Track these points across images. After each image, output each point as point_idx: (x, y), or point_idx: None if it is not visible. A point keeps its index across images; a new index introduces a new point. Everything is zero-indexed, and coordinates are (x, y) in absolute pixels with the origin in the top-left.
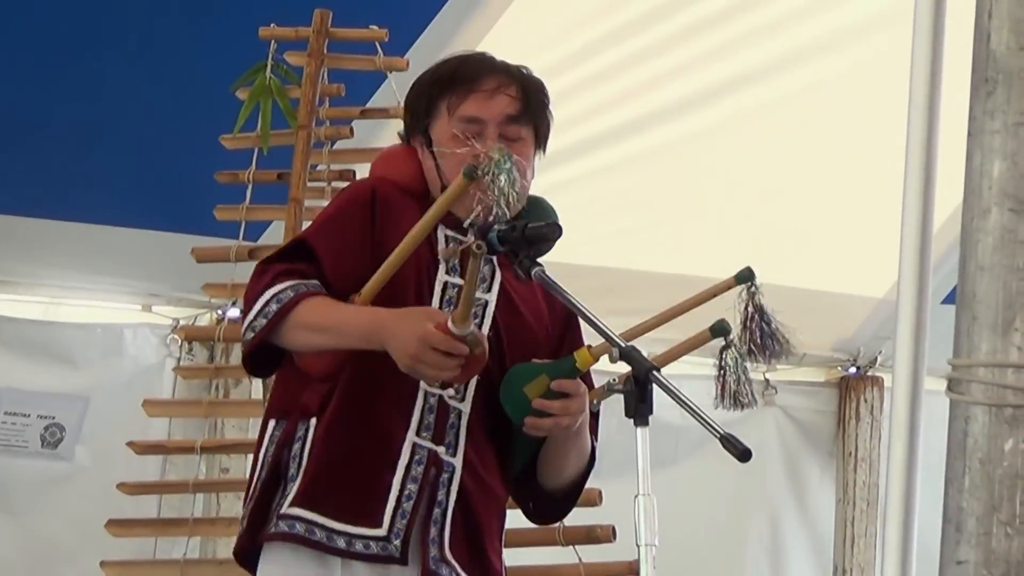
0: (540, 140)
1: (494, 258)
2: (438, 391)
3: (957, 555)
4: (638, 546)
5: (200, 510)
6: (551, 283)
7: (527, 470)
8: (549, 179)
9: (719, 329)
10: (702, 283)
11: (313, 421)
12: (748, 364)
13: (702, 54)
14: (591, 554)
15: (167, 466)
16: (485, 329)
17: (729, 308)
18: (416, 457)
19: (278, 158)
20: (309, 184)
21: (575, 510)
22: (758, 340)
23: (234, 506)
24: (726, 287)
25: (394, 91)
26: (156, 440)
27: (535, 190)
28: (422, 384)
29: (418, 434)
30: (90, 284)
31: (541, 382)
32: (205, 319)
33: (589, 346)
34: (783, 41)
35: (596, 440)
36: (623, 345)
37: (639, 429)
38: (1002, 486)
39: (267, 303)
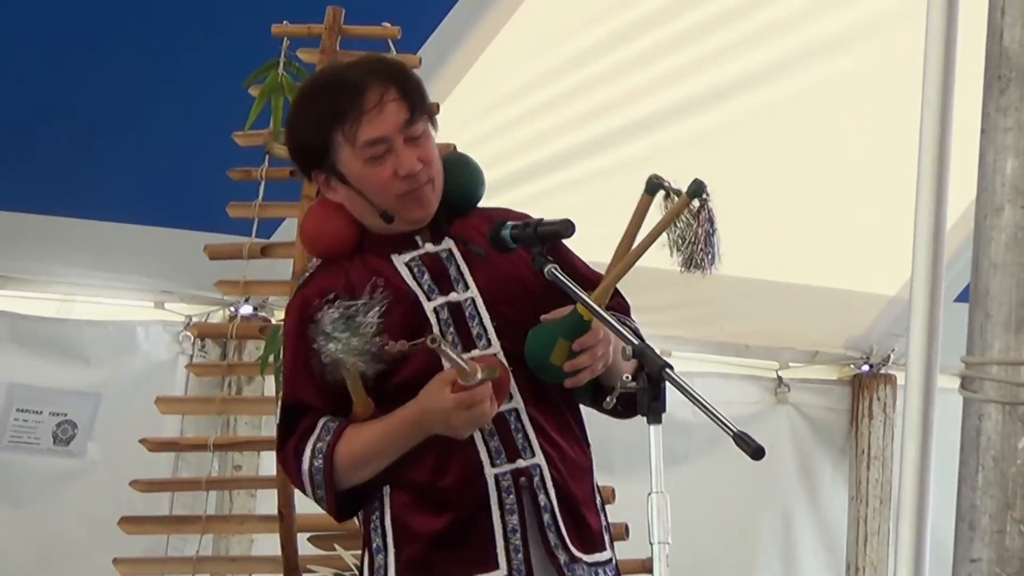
0: (431, 117)
1: (450, 248)
2: None
3: (970, 553)
4: (651, 544)
5: (213, 507)
6: (563, 280)
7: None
8: (561, 177)
9: (695, 190)
10: (711, 280)
11: (387, 489)
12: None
13: (713, 52)
14: None
15: (179, 463)
16: (488, 323)
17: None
18: (503, 486)
19: None
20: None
21: None
22: (702, 245)
23: (246, 503)
24: (683, 206)
25: None
26: (169, 437)
27: (541, 189)
28: None
29: (493, 464)
30: (103, 281)
31: (563, 348)
32: (218, 316)
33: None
34: (796, 39)
35: (631, 319)
36: (636, 343)
37: (652, 427)
38: (1015, 484)
39: (312, 480)
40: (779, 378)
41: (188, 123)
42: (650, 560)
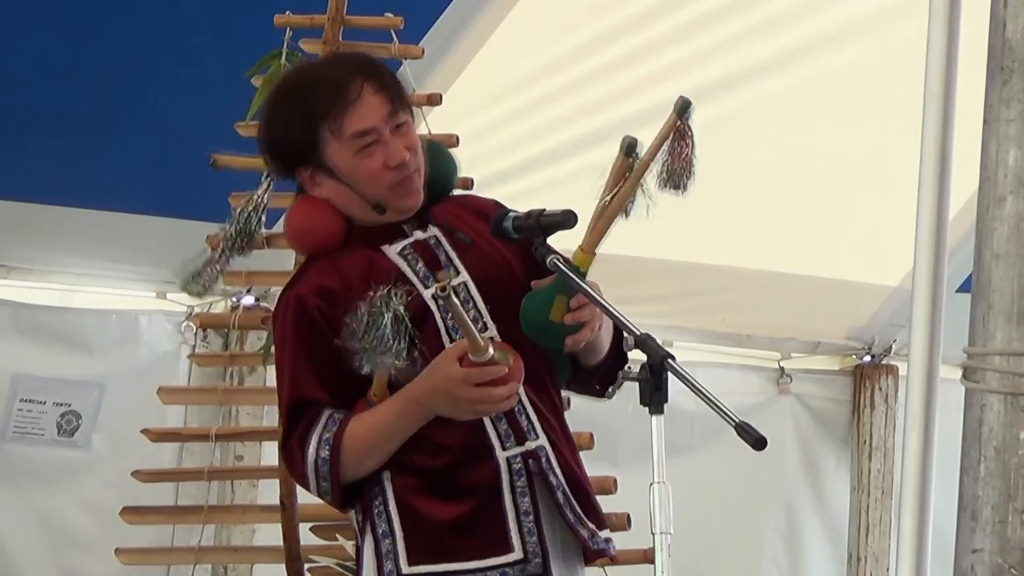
0: (410, 106)
1: (436, 235)
2: None
3: (972, 543)
4: (653, 534)
5: (215, 498)
6: (566, 271)
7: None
8: (565, 168)
9: (683, 106)
10: (717, 271)
11: (387, 474)
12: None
13: (716, 44)
14: None
15: (182, 453)
16: (480, 306)
17: None
18: (514, 469)
19: None
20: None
21: None
22: (680, 161)
23: (248, 493)
24: (671, 125)
25: (409, 79)
26: (171, 427)
27: (543, 180)
28: None
29: (504, 447)
30: (105, 271)
31: (561, 304)
32: (220, 306)
33: (581, 247)
34: (799, 30)
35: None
36: (638, 333)
37: (654, 417)
38: (1018, 475)
39: (317, 471)
40: (781, 368)
41: (191, 113)
42: (652, 550)
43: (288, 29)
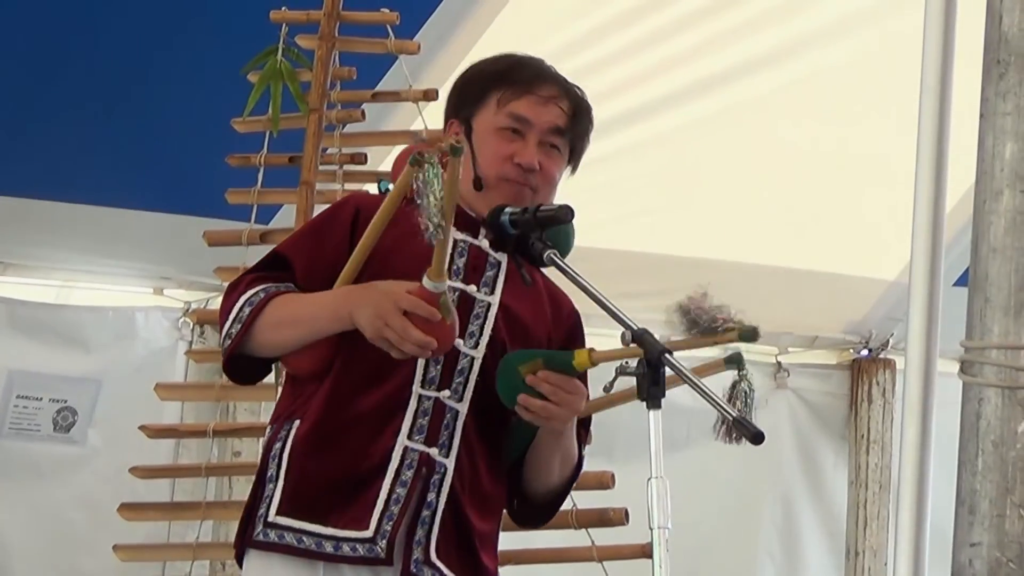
0: (574, 158)
1: (501, 262)
2: (433, 393)
3: (970, 537)
4: (651, 529)
5: (212, 494)
6: (563, 266)
7: (515, 470)
8: None
9: (734, 359)
10: (714, 266)
11: (296, 423)
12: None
13: (714, 37)
14: (604, 537)
15: (179, 450)
16: (487, 329)
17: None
18: (407, 461)
19: (289, 141)
20: (320, 167)
21: (588, 493)
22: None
23: (246, 489)
24: (715, 368)
25: (405, 74)
26: (168, 424)
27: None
28: (416, 386)
29: (410, 437)
30: (102, 267)
31: (536, 364)
32: (217, 302)
33: (591, 350)
34: (797, 24)
35: (583, 449)
36: (636, 327)
37: (652, 412)
38: (1015, 468)
39: (240, 308)
40: (778, 363)
41: (187, 109)
42: (650, 545)
43: (284, 25)
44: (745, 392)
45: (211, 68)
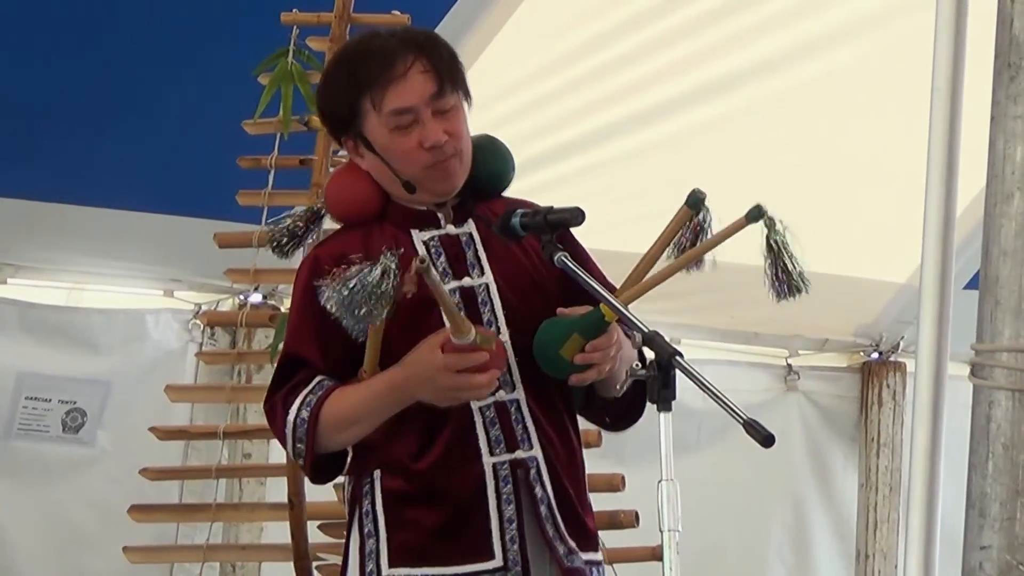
0: (463, 90)
1: (471, 231)
2: (490, 399)
3: (981, 540)
4: (661, 531)
5: (223, 495)
6: (572, 268)
7: (590, 404)
8: (571, 165)
9: (755, 214)
10: (723, 268)
11: (378, 474)
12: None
13: (726, 39)
14: (614, 539)
15: (189, 451)
16: (499, 311)
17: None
18: (501, 475)
19: (300, 144)
20: (331, 170)
21: (598, 495)
22: (781, 278)
23: (256, 491)
24: (736, 228)
25: None
26: (178, 425)
27: (552, 176)
28: (471, 403)
29: (492, 453)
30: (112, 269)
31: (575, 342)
32: (227, 304)
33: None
34: (807, 27)
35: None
36: (646, 330)
37: (662, 414)
38: None
39: (294, 432)
40: (789, 366)
41: (198, 111)
42: (660, 548)
43: (295, 27)
44: (778, 243)
45: (222, 70)
